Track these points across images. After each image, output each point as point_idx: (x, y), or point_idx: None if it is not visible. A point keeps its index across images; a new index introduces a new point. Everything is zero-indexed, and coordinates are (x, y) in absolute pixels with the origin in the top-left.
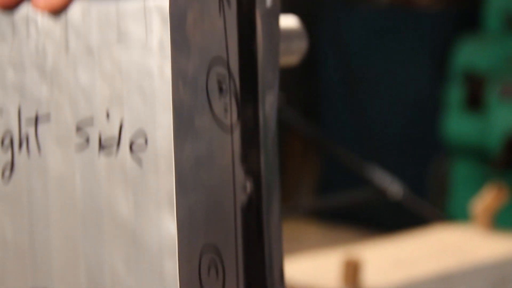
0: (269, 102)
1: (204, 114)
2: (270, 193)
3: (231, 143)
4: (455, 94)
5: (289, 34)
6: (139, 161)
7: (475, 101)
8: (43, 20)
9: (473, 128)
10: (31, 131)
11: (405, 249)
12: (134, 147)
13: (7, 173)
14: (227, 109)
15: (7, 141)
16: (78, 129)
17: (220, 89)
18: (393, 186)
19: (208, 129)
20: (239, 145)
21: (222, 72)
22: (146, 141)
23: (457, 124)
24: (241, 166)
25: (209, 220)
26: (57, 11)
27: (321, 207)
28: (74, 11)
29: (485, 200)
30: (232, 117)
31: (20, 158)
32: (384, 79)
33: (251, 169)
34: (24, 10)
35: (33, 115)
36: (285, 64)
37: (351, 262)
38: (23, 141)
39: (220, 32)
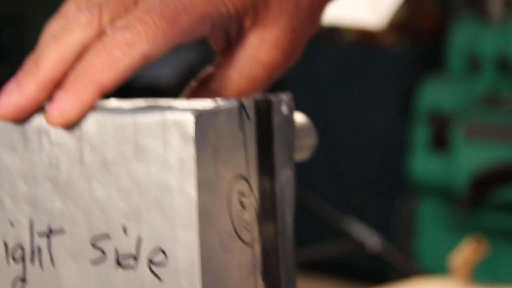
0: (287, 219)
1: (226, 228)
2: None
3: (253, 257)
4: (420, 133)
5: (300, 132)
6: (159, 276)
7: (440, 141)
8: (56, 132)
9: (439, 168)
10: (44, 244)
11: None
12: (153, 262)
13: (18, 285)
14: (248, 225)
15: (18, 254)
16: (94, 243)
17: (242, 205)
18: (371, 239)
19: (230, 243)
20: (260, 260)
21: (243, 189)
22: (166, 257)
23: (423, 164)
24: (262, 281)
25: None
26: (72, 124)
27: (300, 259)
28: (89, 124)
29: (464, 253)
30: (252, 232)
31: (33, 270)
32: (351, 119)
33: (272, 283)
34: (36, 121)
35: (45, 228)
36: (296, 162)
37: None
38: (35, 254)
39: (240, 147)
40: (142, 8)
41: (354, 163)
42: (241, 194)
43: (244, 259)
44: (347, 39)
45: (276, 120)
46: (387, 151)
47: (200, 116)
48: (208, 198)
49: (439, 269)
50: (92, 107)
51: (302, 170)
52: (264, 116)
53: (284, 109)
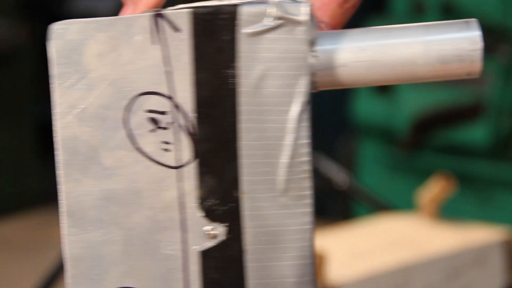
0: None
1: (119, 149)
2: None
3: (177, 182)
4: None
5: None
6: None
7: None
8: None
9: (381, 110)
10: None
11: (359, 239)
12: None
13: None
14: (169, 145)
15: None
16: None
17: (156, 125)
18: (339, 175)
19: (126, 165)
20: (197, 185)
21: (159, 108)
22: None
23: (366, 105)
24: (201, 209)
25: (128, 258)
26: None
27: None
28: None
29: (432, 190)
30: (181, 154)
31: None
32: None
33: (220, 216)
34: None
35: None
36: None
37: (317, 255)
38: None
39: (153, 63)
40: None
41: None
42: (156, 112)
43: (160, 182)
44: None
45: (252, 29)
46: (330, 92)
47: (61, 29)
48: (81, 116)
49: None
50: None
51: None
52: (209, 26)
53: (269, 20)
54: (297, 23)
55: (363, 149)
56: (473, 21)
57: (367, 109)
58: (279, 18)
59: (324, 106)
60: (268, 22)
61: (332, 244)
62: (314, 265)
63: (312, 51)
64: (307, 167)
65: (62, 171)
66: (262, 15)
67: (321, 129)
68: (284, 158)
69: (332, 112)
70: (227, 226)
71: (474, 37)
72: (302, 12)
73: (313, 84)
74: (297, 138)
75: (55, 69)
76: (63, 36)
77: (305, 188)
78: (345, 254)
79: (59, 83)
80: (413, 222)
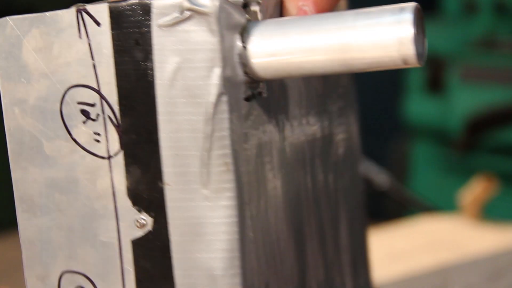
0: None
1: (58, 139)
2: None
3: (109, 172)
4: (416, 76)
5: None
6: None
7: (436, 83)
8: None
9: (434, 111)
10: None
11: (398, 241)
12: None
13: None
14: (99, 136)
15: None
16: None
17: (87, 117)
18: (379, 176)
19: (65, 155)
20: (124, 175)
21: (88, 100)
22: None
23: (418, 107)
24: (128, 198)
25: (72, 244)
26: None
27: None
28: None
29: (474, 191)
30: (110, 144)
31: None
32: None
33: (150, 204)
34: None
35: None
36: None
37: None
38: None
39: (81, 56)
40: None
41: (372, 101)
42: (86, 104)
43: (94, 172)
44: None
45: (165, 21)
46: (382, 93)
47: (3, 25)
48: (23, 107)
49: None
50: None
51: None
52: (125, 20)
53: (169, 16)
54: (206, 14)
55: (415, 151)
56: (409, 6)
57: (419, 110)
58: (189, 10)
59: (374, 106)
60: (179, 15)
61: (371, 245)
62: (243, 258)
63: (243, 41)
64: (228, 160)
65: (12, 160)
66: (174, 8)
67: (371, 131)
68: (203, 150)
69: (383, 113)
70: (153, 217)
71: (405, 23)
72: (210, 4)
73: (247, 75)
74: (214, 131)
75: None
76: (3, 32)
77: (227, 181)
78: (381, 255)
79: (3, 76)
80: (455, 223)
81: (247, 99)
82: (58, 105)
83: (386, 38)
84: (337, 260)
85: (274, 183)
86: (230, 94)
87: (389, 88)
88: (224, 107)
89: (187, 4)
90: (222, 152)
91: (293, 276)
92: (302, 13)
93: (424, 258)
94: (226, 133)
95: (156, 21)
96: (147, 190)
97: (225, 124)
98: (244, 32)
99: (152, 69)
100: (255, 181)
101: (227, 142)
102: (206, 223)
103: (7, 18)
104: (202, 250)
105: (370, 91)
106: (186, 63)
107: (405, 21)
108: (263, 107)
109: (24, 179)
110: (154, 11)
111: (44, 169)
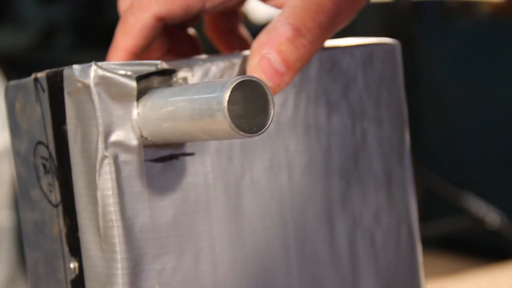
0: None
1: (35, 188)
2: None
3: (57, 219)
4: None
5: None
6: None
7: None
8: None
9: None
10: None
11: (505, 281)
12: None
13: None
14: (51, 187)
15: None
16: None
17: (45, 169)
18: (490, 214)
19: (39, 201)
20: (63, 223)
21: (44, 155)
22: None
23: None
24: (66, 245)
25: (48, 277)
26: None
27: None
28: None
29: None
30: (56, 195)
31: None
32: (484, 94)
33: (77, 251)
34: None
35: None
36: None
37: None
38: None
39: (39, 118)
40: None
41: (482, 137)
42: (44, 159)
43: (52, 218)
44: (483, 12)
45: (67, 92)
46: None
47: (7, 89)
48: (20, 158)
49: None
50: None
51: (419, 148)
52: (57, 88)
53: (76, 84)
54: (87, 85)
55: None
56: (229, 82)
57: None
58: (78, 81)
59: (474, 140)
60: (72, 84)
61: (484, 285)
62: None
63: (138, 107)
64: (113, 217)
65: (18, 202)
66: (71, 78)
67: (471, 166)
68: (97, 207)
69: (483, 146)
70: (78, 261)
71: (220, 98)
72: (92, 76)
73: (143, 139)
74: (102, 190)
75: (7, 122)
76: (7, 95)
77: (113, 236)
78: None
79: (10, 131)
80: None
81: (162, 159)
82: (32, 158)
83: (208, 113)
84: None
85: (214, 234)
86: (120, 157)
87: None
88: (106, 169)
89: (77, 77)
90: (109, 209)
91: None
92: (265, 60)
93: None
94: (109, 192)
95: (66, 89)
96: (73, 239)
97: (108, 184)
98: (141, 99)
99: (67, 131)
100: (173, 236)
101: (110, 201)
102: (108, 274)
103: (9, 83)
104: None
105: (505, 125)
106: (83, 128)
107: (220, 98)
108: (193, 164)
109: (23, 219)
110: (64, 80)
111: (31, 211)
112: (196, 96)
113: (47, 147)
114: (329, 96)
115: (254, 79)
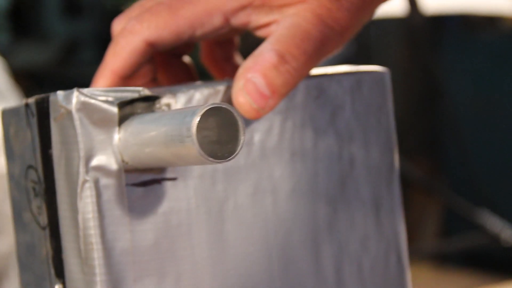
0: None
1: (26, 210)
2: None
3: (45, 242)
4: None
5: None
6: None
7: None
8: None
9: None
10: None
11: None
12: None
13: None
14: (40, 210)
15: None
16: None
17: (35, 192)
18: (505, 231)
19: (29, 223)
20: (49, 246)
21: (34, 178)
22: None
23: None
24: (52, 267)
25: None
26: None
27: (434, 251)
28: None
29: None
30: (43, 218)
31: None
32: (501, 110)
33: (61, 273)
34: None
35: None
36: None
37: None
38: None
39: (29, 142)
40: (156, 1)
41: (499, 153)
42: (34, 182)
43: (40, 241)
44: (508, 25)
45: (53, 117)
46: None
47: (2, 114)
48: (14, 181)
49: None
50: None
51: (434, 162)
52: (44, 113)
53: (68, 105)
54: (69, 111)
55: None
56: (199, 108)
57: None
58: (61, 107)
59: (491, 156)
60: (57, 110)
61: None
62: None
63: (119, 132)
64: (93, 240)
65: (13, 224)
66: (56, 104)
67: (487, 182)
68: (79, 230)
69: (500, 163)
70: (63, 284)
71: (189, 124)
72: (73, 102)
73: (125, 163)
74: (83, 213)
75: (3, 146)
76: (2, 121)
77: (93, 259)
78: None
79: (6, 156)
80: None
81: (144, 184)
82: (24, 181)
83: (178, 139)
84: None
85: (196, 258)
86: (101, 181)
87: None
88: (87, 192)
89: (60, 103)
90: (88, 233)
91: None
92: (250, 83)
93: None
94: (89, 215)
95: (52, 114)
96: (59, 261)
97: (89, 207)
98: (123, 125)
99: (52, 155)
100: (154, 259)
101: (90, 224)
102: None
103: (4, 109)
104: None
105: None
106: (66, 152)
107: (189, 124)
108: (178, 188)
109: (17, 241)
110: (50, 106)
111: (24, 234)
112: (169, 123)
113: (36, 170)
114: (316, 123)
115: (224, 106)
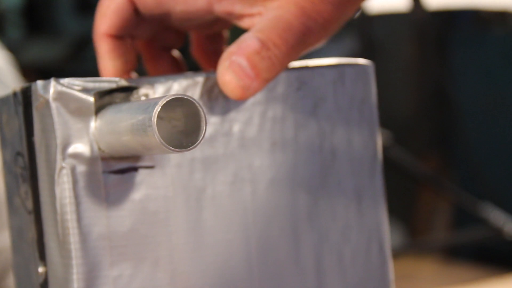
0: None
1: (16, 195)
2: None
3: (31, 225)
4: None
5: None
6: None
7: None
8: None
9: None
10: None
11: None
12: None
13: None
14: (26, 195)
15: None
16: None
17: (22, 178)
18: (508, 225)
19: (19, 208)
20: (34, 230)
21: (21, 164)
22: None
23: None
24: (37, 250)
25: (25, 284)
26: None
27: (438, 244)
28: None
29: None
30: (29, 203)
31: None
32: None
33: (44, 257)
34: None
35: None
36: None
37: None
38: None
39: (17, 129)
40: None
41: (503, 147)
42: (21, 168)
43: (28, 225)
44: None
45: (35, 105)
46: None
47: None
48: (5, 166)
49: None
50: None
51: (443, 159)
52: (27, 102)
53: (46, 94)
54: (47, 100)
55: None
56: (161, 99)
57: None
58: (40, 97)
59: (495, 150)
60: (37, 99)
61: None
62: None
63: (96, 121)
64: (69, 224)
65: (6, 208)
66: (36, 93)
67: (489, 176)
68: (56, 215)
69: (504, 156)
70: (45, 266)
71: (150, 114)
72: (50, 92)
73: (101, 151)
74: (60, 199)
75: None
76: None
77: (70, 243)
78: None
79: (1, 142)
80: None
81: (121, 171)
82: (14, 167)
83: (141, 128)
84: None
85: (173, 244)
86: (78, 168)
87: None
88: (64, 179)
89: (39, 92)
90: (65, 218)
91: None
92: (235, 64)
93: None
94: (66, 201)
95: (34, 103)
96: (41, 246)
97: (66, 193)
98: (99, 114)
99: (34, 143)
100: (131, 244)
101: (67, 209)
102: (66, 279)
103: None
104: None
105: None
106: (46, 140)
107: (149, 116)
108: (158, 175)
109: (10, 225)
110: (32, 95)
111: (15, 218)
112: (135, 112)
113: (23, 157)
114: (297, 115)
115: (186, 97)
